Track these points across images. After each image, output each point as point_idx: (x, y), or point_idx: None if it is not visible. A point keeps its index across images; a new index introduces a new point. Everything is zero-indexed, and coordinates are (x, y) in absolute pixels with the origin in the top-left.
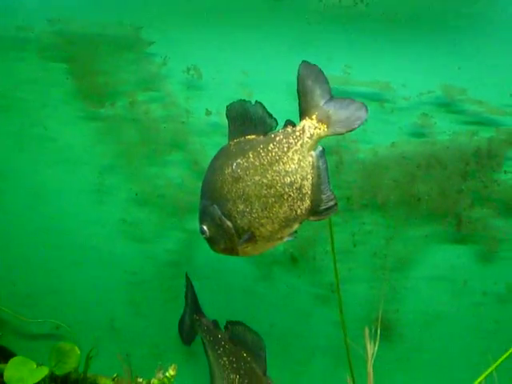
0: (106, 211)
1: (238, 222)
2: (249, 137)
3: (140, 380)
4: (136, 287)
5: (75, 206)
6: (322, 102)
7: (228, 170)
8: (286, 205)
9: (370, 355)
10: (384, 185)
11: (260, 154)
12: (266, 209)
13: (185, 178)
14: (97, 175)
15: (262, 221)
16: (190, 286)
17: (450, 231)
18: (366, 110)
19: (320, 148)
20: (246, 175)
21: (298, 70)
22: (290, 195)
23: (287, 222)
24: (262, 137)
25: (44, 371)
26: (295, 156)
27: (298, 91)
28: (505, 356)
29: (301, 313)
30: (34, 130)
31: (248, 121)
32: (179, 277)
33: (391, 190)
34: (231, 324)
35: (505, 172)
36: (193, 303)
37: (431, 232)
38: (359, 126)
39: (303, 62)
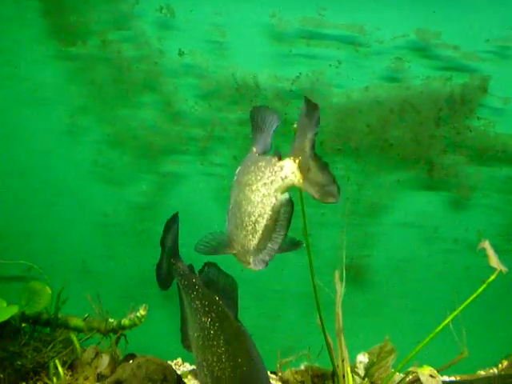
0: (79, 152)
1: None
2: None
3: (111, 320)
4: (108, 229)
5: (47, 147)
6: (308, 150)
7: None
8: (243, 233)
9: (338, 296)
10: (357, 129)
11: (245, 170)
12: (237, 224)
13: (158, 119)
14: (69, 116)
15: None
16: (173, 229)
17: (421, 177)
18: (339, 195)
19: (287, 196)
20: (236, 185)
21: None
22: (247, 225)
23: (243, 249)
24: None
25: (14, 309)
26: (262, 189)
27: (298, 125)
28: (470, 299)
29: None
30: (5, 69)
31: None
32: (152, 219)
33: (364, 134)
34: (207, 265)
35: (478, 118)
36: (172, 247)
37: (403, 178)
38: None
39: (306, 97)
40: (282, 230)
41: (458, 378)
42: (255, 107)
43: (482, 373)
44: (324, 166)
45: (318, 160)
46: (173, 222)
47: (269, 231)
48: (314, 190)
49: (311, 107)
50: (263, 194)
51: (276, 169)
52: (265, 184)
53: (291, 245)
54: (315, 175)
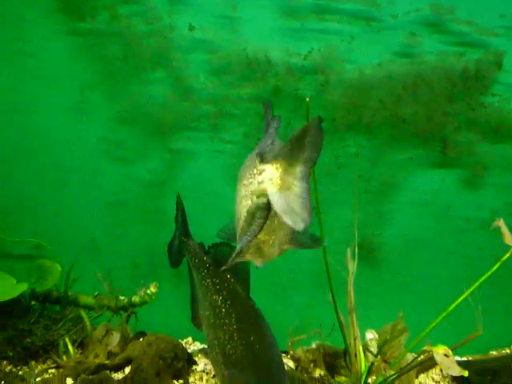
0: (88, 129)
1: None
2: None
3: (121, 298)
4: (118, 207)
5: (56, 124)
6: (298, 170)
7: None
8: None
9: (350, 274)
10: (370, 106)
11: (243, 167)
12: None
13: (168, 96)
14: (78, 92)
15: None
16: (180, 208)
17: (434, 155)
18: (308, 224)
19: (264, 200)
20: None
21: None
22: (237, 221)
23: None
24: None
25: (23, 287)
26: (242, 190)
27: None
28: (485, 277)
29: None
30: (14, 44)
31: None
32: (161, 197)
33: (377, 111)
34: (218, 244)
35: (492, 95)
36: (182, 225)
37: (416, 155)
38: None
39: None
40: (251, 233)
41: (470, 358)
42: (265, 102)
43: (495, 353)
44: (306, 195)
45: (304, 185)
46: (178, 201)
47: (244, 233)
48: (282, 210)
49: (317, 130)
50: (242, 195)
51: (255, 171)
52: (244, 185)
53: (311, 242)
54: (292, 197)
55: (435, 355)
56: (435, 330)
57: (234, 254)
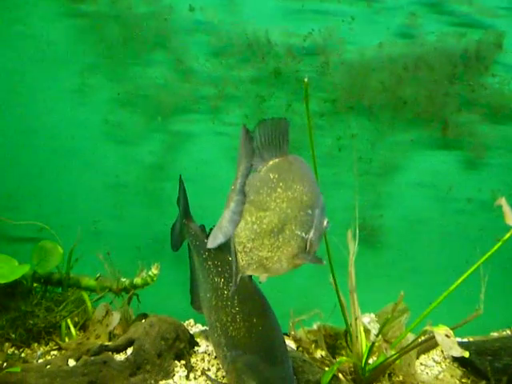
0: (88, 111)
1: None
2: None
3: (123, 280)
4: (119, 190)
5: (57, 106)
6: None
7: None
8: None
9: (351, 255)
10: (370, 87)
11: None
12: None
13: (168, 77)
14: (78, 74)
15: None
16: (182, 191)
17: (435, 136)
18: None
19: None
20: None
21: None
22: None
23: None
24: None
25: (25, 268)
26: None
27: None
28: (485, 257)
29: None
30: (14, 27)
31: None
32: (163, 180)
33: (377, 92)
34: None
35: (493, 75)
36: (183, 208)
37: (417, 136)
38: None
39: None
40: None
41: (471, 339)
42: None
43: (495, 334)
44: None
45: (233, 205)
46: (180, 184)
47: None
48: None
49: (245, 140)
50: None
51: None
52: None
53: (314, 259)
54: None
55: (436, 335)
56: (436, 310)
57: (233, 262)
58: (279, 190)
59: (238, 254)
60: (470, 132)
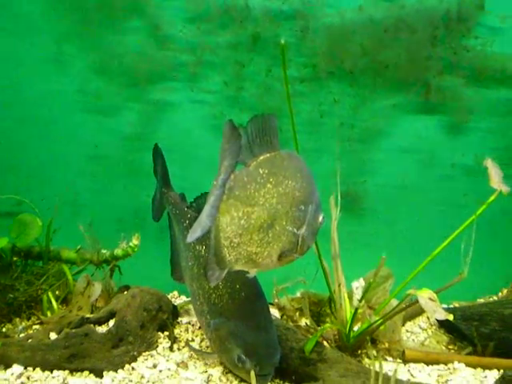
0: (64, 82)
1: None
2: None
3: (104, 251)
4: (98, 161)
5: (32, 77)
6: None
7: None
8: None
9: (333, 220)
10: (351, 51)
11: None
12: None
13: (145, 45)
14: (53, 44)
15: None
16: (160, 159)
17: (418, 100)
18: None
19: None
20: None
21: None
22: None
23: None
24: None
25: (3, 241)
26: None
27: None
28: (470, 220)
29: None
30: None
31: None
32: (142, 150)
33: (358, 56)
34: (198, 198)
35: (475, 37)
36: (162, 177)
37: (399, 101)
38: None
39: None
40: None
41: (457, 305)
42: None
43: (482, 301)
44: (210, 208)
45: (212, 198)
46: (156, 153)
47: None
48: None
49: (230, 135)
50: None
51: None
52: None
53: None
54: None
55: (419, 299)
56: (422, 277)
57: (209, 255)
58: (269, 185)
59: (225, 249)
60: (453, 96)
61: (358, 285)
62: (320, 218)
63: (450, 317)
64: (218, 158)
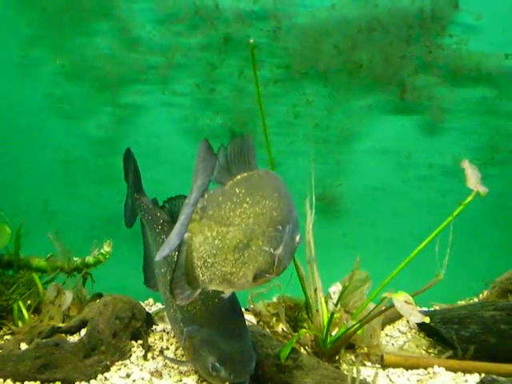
0: (33, 86)
1: None
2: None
3: (75, 259)
4: (69, 166)
5: None
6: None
7: None
8: None
9: (308, 223)
10: (324, 51)
11: None
12: None
13: (114, 47)
14: (19, 47)
15: None
16: (132, 165)
17: (393, 100)
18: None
19: (186, 235)
20: None
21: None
22: None
23: None
24: None
25: None
26: None
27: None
28: (447, 222)
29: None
30: None
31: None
32: (114, 154)
33: (332, 56)
34: (172, 199)
35: (450, 36)
36: (134, 182)
37: (374, 102)
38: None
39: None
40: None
41: (437, 308)
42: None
43: (463, 303)
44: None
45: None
46: (128, 159)
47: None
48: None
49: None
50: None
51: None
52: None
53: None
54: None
55: (395, 302)
56: (400, 280)
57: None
58: (245, 205)
59: (198, 269)
60: (428, 95)
61: (336, 289)
62: (297, 238)
63: (427, 319)
64: (192, 177)
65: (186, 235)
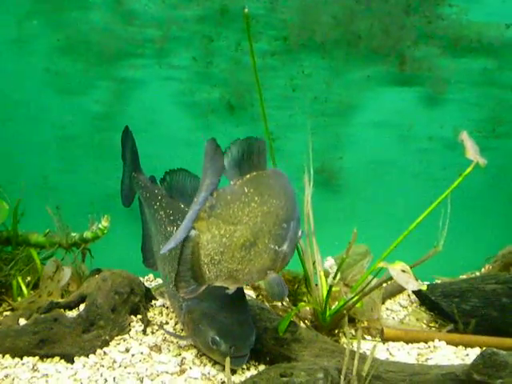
0: (29, 62)
1: None
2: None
3: (73, 234)
4: (67, 142)
5: None
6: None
7: None
8: None
9: (307, 195)
10: (322, 22)
11: None
12: None
13: (109, 21)
14: (14, 23)
15: None
16: (129, 143)
17: (393, 72)
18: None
19: (194, 232)
20: None
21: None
22: None
23: None
24: None
25: None
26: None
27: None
28: (446, 193)
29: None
30: None
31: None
32: (111, 130)
33: (330, 27)
34: (170, 173)
35: (449, 5)
36: (131, 160)
37: (373, 73)
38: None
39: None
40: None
41: (438, 282)
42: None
43: (464, 277)
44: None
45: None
46: (126, 136)
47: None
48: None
49: (212, 153)
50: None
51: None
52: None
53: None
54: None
55: (391, 271)
56: (403, 254)
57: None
58: (253, 204)
59: (205, 266)
60: (428, 66)
61: (330, 264)
62: (299, 233)
63: (424, 287)
64: (201, 176)
65: (194, 233)
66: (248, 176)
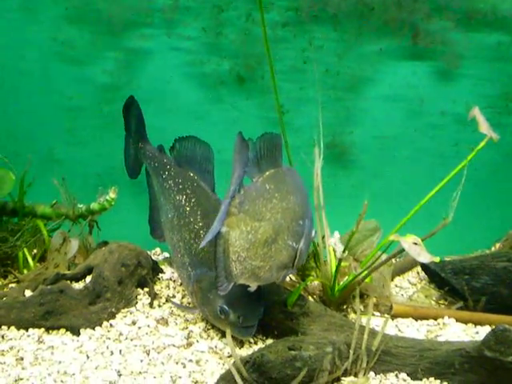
0: (36, 30)
1: None
2: None
3: (80, 206)
4: (74, 113)
5: (1, 27)
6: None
7: None
8: None
9: (316, 168)
10: None
11: None
12: None
13: None
14: None
15: None
16: (135, 112)
17: (405, 45)
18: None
19: (225, 229)
20: None
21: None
22: None
23: None
24: None
25: None
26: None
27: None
28: (458, 169)
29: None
30: None
31: None
32: (119, 100)
33: None
34: (179, 141)
35: None
36: (137, 131)
37: (386, 46)
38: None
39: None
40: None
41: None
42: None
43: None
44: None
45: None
46: (130, 106)
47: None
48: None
49: (240, 146)
50: None
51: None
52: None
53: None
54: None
55: (403, 243)
56: (411, 230)
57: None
58: (275, 200)
59: (233, 263)
60: (442, 40)
61: (335, 239)
62: (313, 232)
63: (436, 259)
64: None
65: (224, 229)
66: (267, 173)
